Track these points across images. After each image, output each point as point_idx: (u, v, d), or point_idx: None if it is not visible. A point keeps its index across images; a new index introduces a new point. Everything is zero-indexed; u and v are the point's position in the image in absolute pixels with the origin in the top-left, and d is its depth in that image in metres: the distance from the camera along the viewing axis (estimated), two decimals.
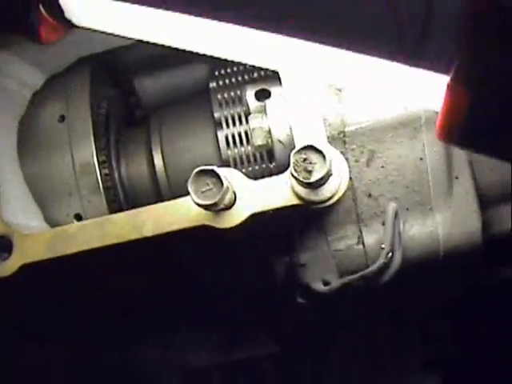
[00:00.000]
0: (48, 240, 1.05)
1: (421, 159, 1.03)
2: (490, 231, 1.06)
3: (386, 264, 1.02)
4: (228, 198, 0.94)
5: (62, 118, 1.20)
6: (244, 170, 1.16)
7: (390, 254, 1.02)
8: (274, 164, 1.12)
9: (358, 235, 1.06)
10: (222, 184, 0.92)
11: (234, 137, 1.17)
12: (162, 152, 1.23)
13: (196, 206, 0.96)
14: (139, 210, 1.02)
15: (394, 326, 1.18)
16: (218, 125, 1.18)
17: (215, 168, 0.93)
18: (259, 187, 0.98)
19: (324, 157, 0.91)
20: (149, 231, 1.01)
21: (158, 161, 1.23)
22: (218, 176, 0.92)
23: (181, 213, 1.00)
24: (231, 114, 1.18)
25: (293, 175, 0.92)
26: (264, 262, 1.12)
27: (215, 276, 1.16)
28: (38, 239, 1.05)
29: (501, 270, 1.16)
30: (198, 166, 1.18)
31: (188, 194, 1.15)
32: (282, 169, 1.08)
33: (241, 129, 1.16)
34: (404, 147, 1.03)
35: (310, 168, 0.91)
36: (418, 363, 1.21)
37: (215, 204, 0.92)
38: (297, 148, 0.92)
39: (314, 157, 0.91)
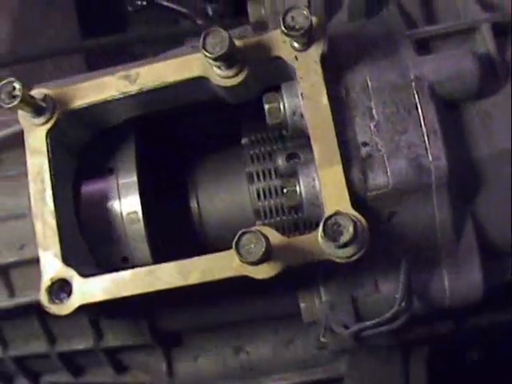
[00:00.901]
0: (104, 284, 1.19)
1: (431, 219, 1.18)
2: (491, 281, 1.21)
3: (399, 311, 1.18)
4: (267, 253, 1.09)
5: (111, 171, 1.35)
6: (272, 220, 1.32)
7: (403, 303, 1.17)
8: (300, 215, 1.28)
9: (374, 284, 1.21)
10: (264, 243, 1.07)
11: (264, 190, 1.33)
12: (197, 201, 1.38)
13: (237, 259, 1.11)
14: (186, 260, 1.17)
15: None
16: (249, 178, 1.34)
17: (257, 229, 1.08)
18: (292, 243, 1.13)
19: (352, 221, 1.06)
20: (194, 279, 1.16)
21: (193, 209, 1.38)
22: (260, 236, 1.07)
23: (223, 264, 1.15)
24: (262, 169, 1.34)
25: (323, 236, 1.07)
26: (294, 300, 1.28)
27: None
28: (96, 283, 1.20)
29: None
30: (231, 214, 1.37)
31: (222, 244, 1.33)
32: (306, 220, 1.24)
33: (271, 183, 1.32)
34: (418, 208, 1.18)
35: (339, 231, 1.07)
36: None
37: (257, 261, 1.07)
38: (328, 213, 1.08)
39: (342, 221, 1.07)
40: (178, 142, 1.47)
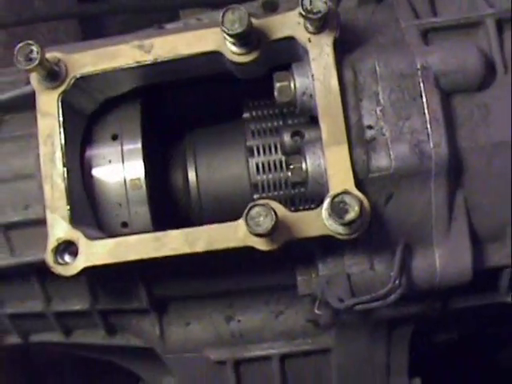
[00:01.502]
0: (110, 247, 1.22)
1: (427, 203, 1.24)
2: (479, 265, 1.28)
3: (393, 288, 1.24)
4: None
5: (115, 137, 1.38)
6: (270, 194, 1.37)
7: (397, 281, 1.23)
8: (298, 191, 1.33)
9: (370, 262, 1.27)
10: (273, 217, 1.11)
11: (264, 164, 1.37)
12: (195, 170, 1.41)
13: (243, 229, 1.16)
14: (193, 228, 1.21)
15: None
16: (249, 151, 1.38)
17: (266, 203, 1.13)
18: (296, 218, 1.18)
19: (358, 201, 1.11)
20: (200, 247, 1.20)
21: (191, 177, 1.42)
22: (271, 209, 1.12)
23: (229, 234, 1.19)
24: (263, 143, 1.38)
25: (329, 214, 1.13)
26: (289, 276, 1.33)
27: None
28: (101, 246, 1.23)
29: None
30: (228, 186, 1.41)
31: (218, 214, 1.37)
32: (305, 195, 1.29)
33: (272, 158, 1.37)
34: (415, 192, 1.23)
35: (345, 209, 1.12)
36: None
37: (266, 233, 1.12)
38: (335, 191, 1.13)
39: (349, 200, 1.12)
40: (181, 112, 1.50)
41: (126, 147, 1.36)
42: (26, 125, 1.35)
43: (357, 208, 1.11)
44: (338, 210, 1.12)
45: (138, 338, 1.48)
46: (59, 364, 2.18)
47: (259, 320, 1.44)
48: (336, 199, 1.12)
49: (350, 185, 1.17)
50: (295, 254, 1.28)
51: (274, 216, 1.11)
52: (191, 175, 1.42)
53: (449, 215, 1.25)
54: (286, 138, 1.32)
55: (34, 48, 1.20)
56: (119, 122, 1.38)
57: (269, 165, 1.37)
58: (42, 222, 1.28)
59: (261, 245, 1.17)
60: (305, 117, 1.33)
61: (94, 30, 2.19)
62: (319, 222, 1.17)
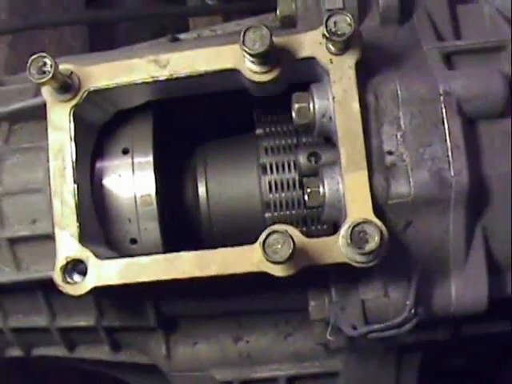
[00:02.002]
0: (121, 268, 1.19)
1: (445, 231, 1.22)
2: (495, 295, 1.26)
3: (408, 318, 1.21)
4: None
5: (126, 151, 1.34)
6: (282, 213, 1.34)
7: (413, 310, 1.21)
8: (310, 211, 1.30)
9: (384, 289, 1.25)
10: (291, 245, 1.09)
11: (277, 183, 1.35)
12: (206, 186, 1.38)
13: (258, 255, 1.13)
14: (207, 251, 1.18)
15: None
16: (262, 169, 1.35)
17: (284, 230, 1.10)
18: (313, 245, 1.15)
19: (378, 231, 1.09)
20: (213, 271, 1.17)
21: (201, 193, 1.39)
22: (289, 237, 1.09)
23: (243, 258, 1.16)
24: (277, 161, 1.35)
25: (347, 243, 1.10)
26: (299, 300, 1.30)
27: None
28: (112, 266, 1.20)
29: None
30: (239, 203, 1.38)
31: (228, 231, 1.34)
32: (318, 218, 1.27)
33: (285, 177, 1.34)
34: (434, 220, 1.21)
35: (365, 239, 1.09)
36: None
37: (283, 261, 1.09)
38: (354, 220, 1.10)
39: (369, 230, 1.09)
40: (192, 127, 1.47)
41: (137, 161, 1.33)
42: (35, 136, 1.31)
43: (377, 238, 1.08)
44: (357, 240, 1.09)
45: (143, 355, 1.45)
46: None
47: (267, 341, 1.41)
48: (356, 228, 1.09)
49: (369, 212, 1.14)
50: (308, 277, 1.25)
51: (291, 244, 1.09)
52: (201, 191, 1.39)
53: (466, 244, 1.23)
54: (302, 158, 1.29)
55: (48, 61, 1.17)
56: (130, 136, 1.35)
57: (282, 183, 1.34)
58: (49, 238, 1.26)
59: (276, 271, 1.14)
60: (321, 138, 1.30)
61: (101, 32, 2.15)
62: (336, 249, 1.14)
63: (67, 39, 2.10)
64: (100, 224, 1.30)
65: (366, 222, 1.10)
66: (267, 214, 1.33)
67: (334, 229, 1.26)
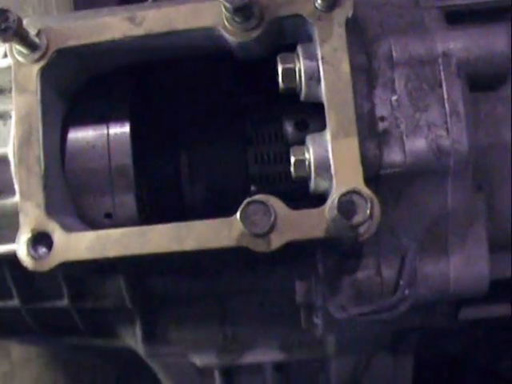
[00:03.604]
0: (89, 241, 1.10)
1: (443, 206, 1.12)
2: (496, 275, 1.16)
3: (402, 299, 1.12)
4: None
5: (101, 119, 1.25)
6: (268, 187, 1.24)
7: (407, 290, 1.11)
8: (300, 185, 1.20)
9: (376, 267, 1.15)
10: (272, 215, 0.99)
11: (263, 155, 1.25)
12: (188, 157, 1.29)
13: (238, 227, 1.04)
14: (183, 223, 1.08)
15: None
16: (248, 141, 1.25)
17: (265, 199, 1.00)
18: (298, 217, 1.06)
19: (368, 202, 0.99)
20: (189, 245, 1.08)
21: (183, 166, 1.30)
22: (267, 207, 0.99)
23: (222, 232, 1.06)
24: (263, 133, 1.25)
25: (334, 214, 1.00)
26: (286, 279, 1.21)
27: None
28: (79, 239, 1.10)
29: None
30: (223, 176, 1.29)
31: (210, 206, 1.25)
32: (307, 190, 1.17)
33: (272, 149, 1.24)
34: (430, 193, 1.11)
35: (353, 210, 0.99)
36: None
37: (263, 234, 0.99)
38: (343, 190, 1.00)
39: (358, 200, 0.99)
40: (172, 97, 1.37)
41: (113, 131, 1.23)
42: (5, 101, 1.22)
43: (367, 210, 0.98)
44: (345, 211, 0.99)
45: (124, 339, 1.36)
46: None
47: (254, 324, 1.32)
48: (343, 198, 0.99)
49: (359, 182, 1.04)
50: (293, 254, 1.16)
51: (272, 215, 0.99)
52: (183, 163, 1.29)
53: (466, 219, 1.13)
54: (289, 127, 1.19)
55: (10, 16, 1.07)
56: (106, 104, 1.25)
57: (269, 156, 1.24)
58: (16, 211, 1.16)
59: (257, 246, 1.04)
60: (310, 105, 1.19)
61: (87, 5, 2.05)
62: (323, 222, 1.04)
63: (52, 12, 2.01)
64: (72, 196, 1.20)
65: (354, 191, 1.00)
66: (253, 188, 1.24)
67: None
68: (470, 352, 1.59)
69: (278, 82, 1.13)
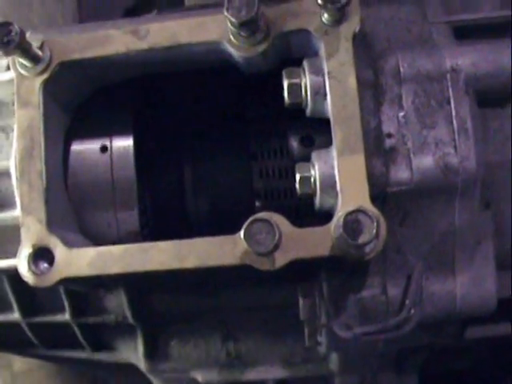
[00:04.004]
0: (91, 258, 1.08)
1: (450, 224, 1.10)
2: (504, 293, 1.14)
3: (407, 318, 1.10)
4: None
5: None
6: (273, 202, 1.23)
7: (413, 309, 1.09)
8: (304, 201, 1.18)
9: (382, 286, 1.13)
10: (276, 234, 0.97)
11: (268, 170, 1.23)
12: (192, 171, 1.27)
13: (241, 245, 1.02)
14: (184, 241, 1.06)
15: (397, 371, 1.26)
16: (253, 156, 1.24)
17: (268, 217, 0.99)
18: (302, 235, 1.04)
19: (374, 221, 0.97)
20: (190, 263, 1.06)
21: (187, 180, 1.28)
22: (271, 225, 0.98)
23: (225, 250, 1.05)
24: (268, 147, 1.24)
25: (340, 233, 0.98)
26: (290, 296, 1.19)
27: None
28: (81, 255, 1.09)
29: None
30: (227, 191, 1.27)
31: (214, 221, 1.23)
32: (311, 207, 1.15)
33: (277, 164, 1.22)
34: (437, 212, 1.10)
35: (359, 229, 0.97)
36: None
37: (267, 253, 0.97)
38: (348, 208, 0.98)
39: (364, 220, 0.98)
40: (176, 110, 1.35)
41: (116, 144, 1.22)
42: (4, 115, 1.20)
43: (373, 230, 0.96)
44: (350, 230, 0.97)
45: (125, 354, 1.34)
46: None
47: (257, 341, 1.30)
48: (349, 217, 0.98)
49: (365, 200, 1.02)
50: (298, 272, 1.14)
51: (277, 233, 0.97)
52: (187, 178, 1.28)
53: (473, 238, 1.11)
54: (294, 142, 1.18)
55: (13, 28, 1.06)
56: (109, 117, 1.24)
57: (274, 171, 1.22)
58: (17, 226, 1.14)
59: (261, 264, 1.03)
60: (315, 119, 1.18)
61: (92, 16, 2.04)
62: (328, 240, 1.03)
63: (59, 21, 2.00)
64: (73, 211, 1.19)
65: (360, 210, 0.99)
66: (258, 203, 1.22)
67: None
68: (476, 369, 1.57)
69: (283, 97, 1.12)
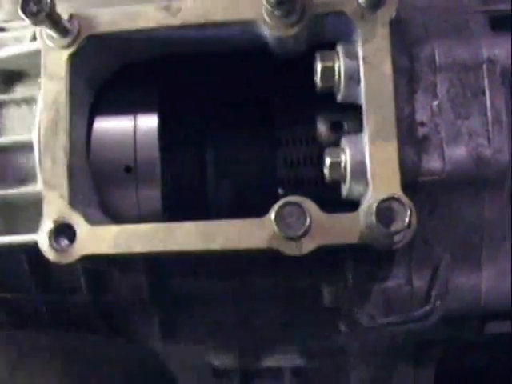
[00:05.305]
0: (113, 235, 1.06)
1: (479, 216, 1.09)
2: None
3: (432, 310, 1.08)
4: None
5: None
6: (297, 190, 1.20)
7: (438, 301, 1.08)
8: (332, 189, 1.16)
9: (407, 277, 1.12)
10: (307, 219, 0.95)
11: (293, 158, 1.21)
12: (215, 159, 1.25)
13: (269, 229, 1.00)
14: (211, 222, 1.05)
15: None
16: (277, 143, 1.22)
17: (301, 202, 0.97)
18: (331, 221, 1.02)
19: (406, 209, 0.95)
20: (217, 245, 1.04)
21: (210, 165, 1.26)
22: (302, 209, 0.96)
23: (253, 233, 1.03)
24: (293, 134, 1.22)
25: (371, 220, 0.97)
26: (311, 283, 1.17)
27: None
28: (103, 233, 1.07)
29: None
30: (250, 178, 1.25)
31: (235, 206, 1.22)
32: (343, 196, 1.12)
33: (304, 151, 1.20)
34: (466, 203, 1.08)
35: (391, 217, 0.96)
36: None
37: (296, 237, 0.96)
38: (381, 196, 0.97)
39: (397, 208, 0.96)
40: (202, 93, 1.33)
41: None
42: (30, 87, 1.18)
43: (406, 218, 0.95)
44: (383, 218, 0.95)
45: (140, 336, 1.32)
46: None
47: (274, 327, 1.28)
48: (382, 205, 0.96)
49: (396, 188, 1.01)
50: (323, 259, 1.12)
51: (308, 218, 0.96)
52: (210, 162, 1.26)
53: (502, 232, 1.09)
54: (323, 128, 1.15)
55: None
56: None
57: (299, 158, 1.21)
58: (39, 200, 1.12)
59: (288, 249, 1.01)
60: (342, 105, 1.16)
61: None
62: (356, 228, 1.01)
63: None
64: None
65: (394, 198, 0.97)
66: (280, 191, 1.20)
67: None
68: (493, 365, 1.55)
69: (308, 83, 1.10)
